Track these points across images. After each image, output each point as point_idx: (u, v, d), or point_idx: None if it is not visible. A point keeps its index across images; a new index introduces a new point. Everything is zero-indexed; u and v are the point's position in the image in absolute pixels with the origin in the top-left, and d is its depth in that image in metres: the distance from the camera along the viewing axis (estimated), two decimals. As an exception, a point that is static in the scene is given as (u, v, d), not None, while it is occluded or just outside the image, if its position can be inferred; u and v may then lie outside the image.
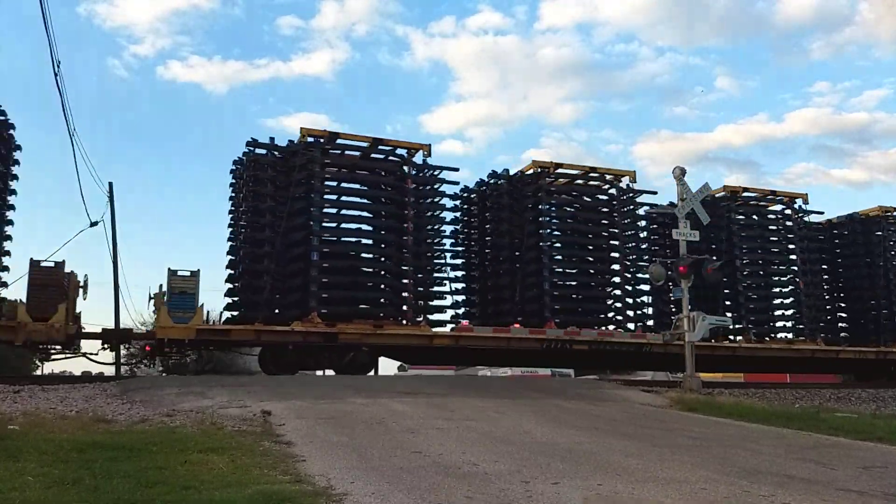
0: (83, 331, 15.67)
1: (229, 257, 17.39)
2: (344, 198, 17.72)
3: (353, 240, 18.07)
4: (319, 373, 29.36)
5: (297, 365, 16.65)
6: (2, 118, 15.86)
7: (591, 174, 19.98)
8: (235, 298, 16.88)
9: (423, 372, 26.98)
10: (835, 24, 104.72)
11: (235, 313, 16.82)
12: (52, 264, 15.13)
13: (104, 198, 20.51)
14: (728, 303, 20.92)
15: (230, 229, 17.64)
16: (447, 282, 18.50)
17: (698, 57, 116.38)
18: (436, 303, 18.42)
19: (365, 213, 18.00)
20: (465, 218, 20.57)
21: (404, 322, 17.22)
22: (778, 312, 21.91)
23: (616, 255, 19.78)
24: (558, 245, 19.76)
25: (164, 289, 15.31)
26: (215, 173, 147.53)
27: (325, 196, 17.09)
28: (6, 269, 15.92)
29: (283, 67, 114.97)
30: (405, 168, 17.80)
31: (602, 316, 19.63)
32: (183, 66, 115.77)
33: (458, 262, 20.17)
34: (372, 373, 19.95)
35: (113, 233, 20.13)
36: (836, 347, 21.62)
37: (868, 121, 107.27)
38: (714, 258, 16.93)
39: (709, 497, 4.82)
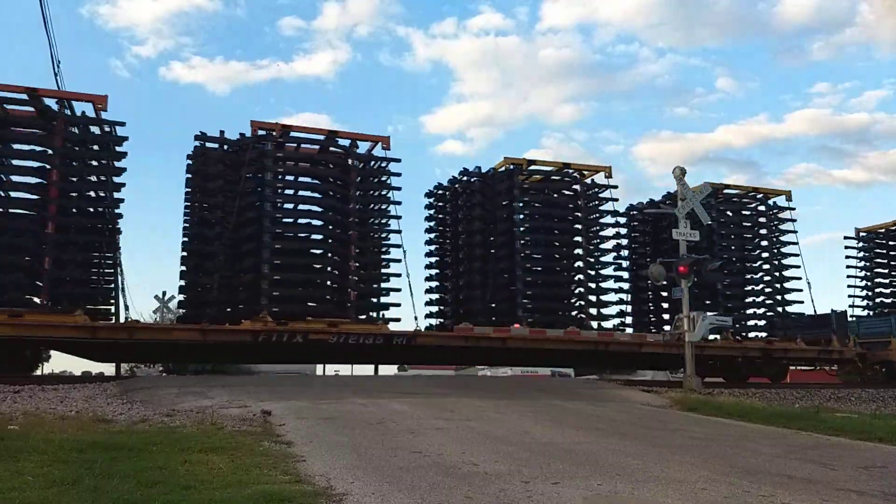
0: None
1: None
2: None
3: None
4: (320, 371, 29.49)
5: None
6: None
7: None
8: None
9: (422, 372, 27.05)
10: (835, 25, 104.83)
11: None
12: None
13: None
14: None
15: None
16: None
17: (699, 58, 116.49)
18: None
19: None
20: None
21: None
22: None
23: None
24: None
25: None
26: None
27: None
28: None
29: (284, 68, 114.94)
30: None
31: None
32: (185, 66, 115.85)
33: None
34: (372, 373, 19.90)
35: None
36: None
37: (868, 121, 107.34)
38: (708, 258, 16.92)
39: (709, 497, 4.82)
